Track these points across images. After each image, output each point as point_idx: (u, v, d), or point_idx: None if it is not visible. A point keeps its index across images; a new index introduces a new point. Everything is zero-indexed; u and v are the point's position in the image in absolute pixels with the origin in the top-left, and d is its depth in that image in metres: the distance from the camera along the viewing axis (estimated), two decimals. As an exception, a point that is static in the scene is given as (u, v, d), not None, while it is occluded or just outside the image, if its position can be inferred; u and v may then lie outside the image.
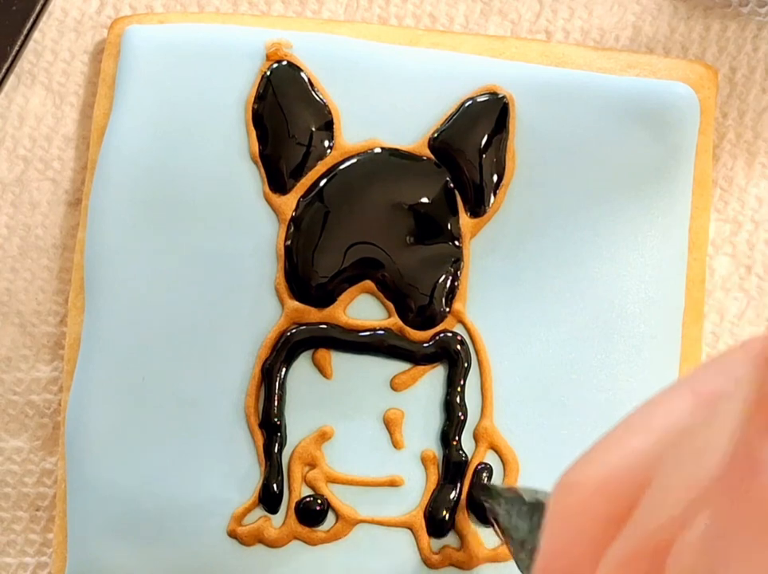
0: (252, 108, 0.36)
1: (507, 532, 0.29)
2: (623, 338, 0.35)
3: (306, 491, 0.35)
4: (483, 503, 0.33)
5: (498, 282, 0.35)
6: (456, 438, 0.35)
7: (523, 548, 0.27)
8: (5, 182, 0.38)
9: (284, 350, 0.35)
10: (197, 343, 0.35)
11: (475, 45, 0.37)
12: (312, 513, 0.35)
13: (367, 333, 0.35)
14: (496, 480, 0.35)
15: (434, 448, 0.35)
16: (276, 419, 0.35)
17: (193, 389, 0.35)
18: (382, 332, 0.35)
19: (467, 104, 0.36)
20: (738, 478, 0.13)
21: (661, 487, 0.14)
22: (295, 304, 0.35)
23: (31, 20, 0.37)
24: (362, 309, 0.35)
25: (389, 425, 0.35)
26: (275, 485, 0.35)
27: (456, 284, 0.35)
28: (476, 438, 0.35)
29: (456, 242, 0.35)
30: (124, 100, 0.36)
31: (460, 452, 0.35)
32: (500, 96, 0.36)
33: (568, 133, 0.35)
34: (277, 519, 0.35)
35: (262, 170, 0.35)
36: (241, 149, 0.36)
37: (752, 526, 0.12)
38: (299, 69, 0.36)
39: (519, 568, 0.28)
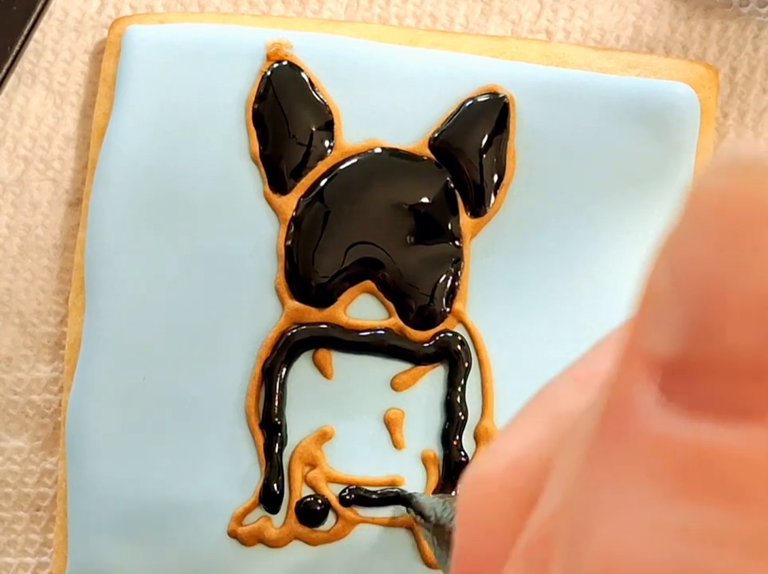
0: (253, 107, 0.36)
1: (434, 539, 0.29)
2: (623, 338, 0.35)
3: (306, 491, 0.35)
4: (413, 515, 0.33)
5: (498, 282, 0.35)
6: (457, 438, 0.35)
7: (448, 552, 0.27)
8: (6, 182, 0.38)
9: (285, 350, 0.35)
10: (198, 343, 0.35)
11: (475, 45, 0.36)
12: (313, 513, 0.35)
13: (368, 333, 0.35)
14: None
15: (435, 448, 0.35)
16: (276, 419, 0.35)
17: (194, 389, 0.35)
18: (382, 332, 0.35)
19: (467, 104, 0.36)
20: (613, 428, 0.12)
21: (558, 472, 0.14)
22: (296, 304, 0.35)
23: (32, 20, 0.37)
24: (363, 309, 0.35)
25: (390, 425, 0.35)
26: (275, 485, 0.35)
27: (456, 284, 0.35)
28: (476, 438, 0.35)
29: (457, 242, 0.35)
30: (125, 99, 0.36)
31: (461, 452, 0.35)
32: (501, 95, 0.36)
33: (568, 133, 0.35)
34: (278, 519, 0.35)
35: (262, 170, 0.35)
36: (242, 149, 0.36)
37: (628, 470, 0.12)
38: (300, 69, 0.36)
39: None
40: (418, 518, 0.32)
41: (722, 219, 0.11)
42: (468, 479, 0.16)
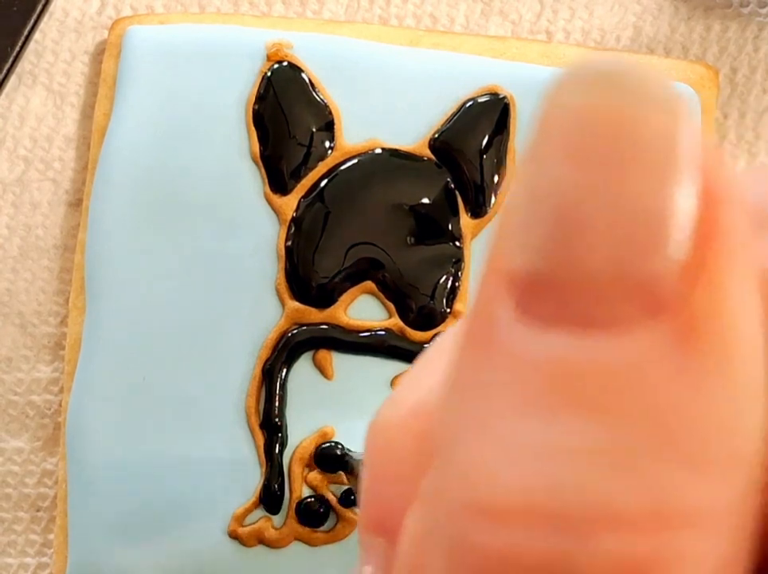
0: (253, 108, 0.36)
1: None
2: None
3: (307, 492, 0.35)
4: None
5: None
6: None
7: None
8: (6, 182, 0.38)
9: (285, 350, 0.35)
10: (198, 343, 0.35)
11: (475, 45, 0.37)
12: (313, 513, 0.35)
13: (368, 334, 0.35)
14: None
15: (435, 449, 0.35)
16: (276, 420, 0.35)
17: (194, 389, 0.35)
18: (382, 332, 0.35)
19: (467, 105, 0.36)
20: (474, 345, 0.12)
21: None
22: (296, 304, 0.35)
23: (32, 20, 0.37)
24: (363, 310, 0.35)
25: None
26: (276, 486, 0.35)
27: (456, 284, 0.35)
28: (476, 438, 0.35)
29: (457, 243, 0.35)
30: (125, 100, 0.36)
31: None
32: (501, 96, 0.36)
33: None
34: (278, 519, 0.35)
35: (263, 170, 0.35)
36: (242, 149, 0.36)
37: (489, 386, 0.12)
38: (300, 70, 0.36)
39: None
40: (350, 477, 0.33)
41: (578, 135, 0.11)
42: (371, 427, 0.16)
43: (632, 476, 0.11)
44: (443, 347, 0.16)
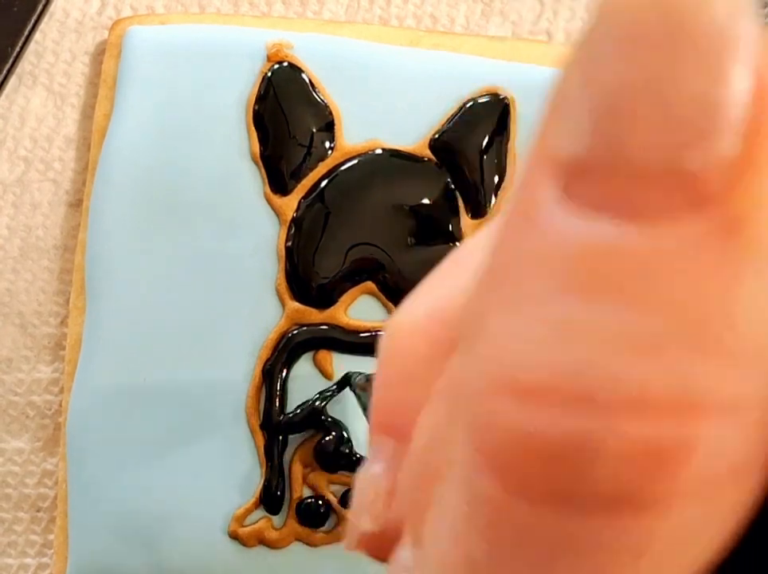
0: (253, 108, 0.36)
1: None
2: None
3: (307, 492, 0.35)
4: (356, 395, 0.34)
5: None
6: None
7: None
8: (7, 182, 0.38)
9: (285, 351, 0.35)
10: (198, 344, 0.35)
11: (476, 45, 0.37)
12: (313, 513, 0.35)
13: (368, 334, 0.35)
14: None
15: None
16: (277, 420, 0.35)
17: (194, 390, 0.35)
18: (382, 332, 0.35)
19: (468, 105, 0.36)
20: (515, 226, 0.12)
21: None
22: (296, 305, 0.35)
23: (32, 21, 0.37)
24: (363, 310, 0.35)
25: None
26: (276, 486, 0.35)
27: (457, 285, 0.35)
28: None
29: (457, 243, 0.35)
30: (125, 100, 0.36)
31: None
32: (501, 97, 0.36)
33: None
34: (278, 520, 0.35)
35: (263, 170, 0.35)
36: (242, 150, 0.36)
37: (525, 267, 0.12)
38: (300, 70, 0.36)
39: None
40: (356, 397, 0.33)
41: (634, 22, 0.11)
42: (387, 331, 0.16)
43: (662, 362, 0.11)
44: (458, 255, 0.16)
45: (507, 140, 0.35)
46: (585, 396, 0.11)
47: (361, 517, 0.16)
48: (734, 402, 0.11)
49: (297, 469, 0.35)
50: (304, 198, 0.35)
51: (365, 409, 0.31)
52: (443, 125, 0.36)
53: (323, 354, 0.35)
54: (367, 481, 0.16)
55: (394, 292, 0.35)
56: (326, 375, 0.35)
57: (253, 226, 0.35)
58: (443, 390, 0.14)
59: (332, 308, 0.35)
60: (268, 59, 0.36)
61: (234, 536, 0.35)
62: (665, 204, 0.11)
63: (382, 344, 0.16)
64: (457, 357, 0.13)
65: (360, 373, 0.33)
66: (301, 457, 0.35)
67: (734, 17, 0.11)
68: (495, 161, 0.35)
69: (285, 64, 0.36)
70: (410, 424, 0.14)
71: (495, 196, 0.35)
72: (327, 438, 0.35)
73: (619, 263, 0.11)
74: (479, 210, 0.35)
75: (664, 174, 0.11)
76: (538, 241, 0.12)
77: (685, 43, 0.11)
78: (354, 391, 0.33)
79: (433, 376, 0.14)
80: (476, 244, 0.16)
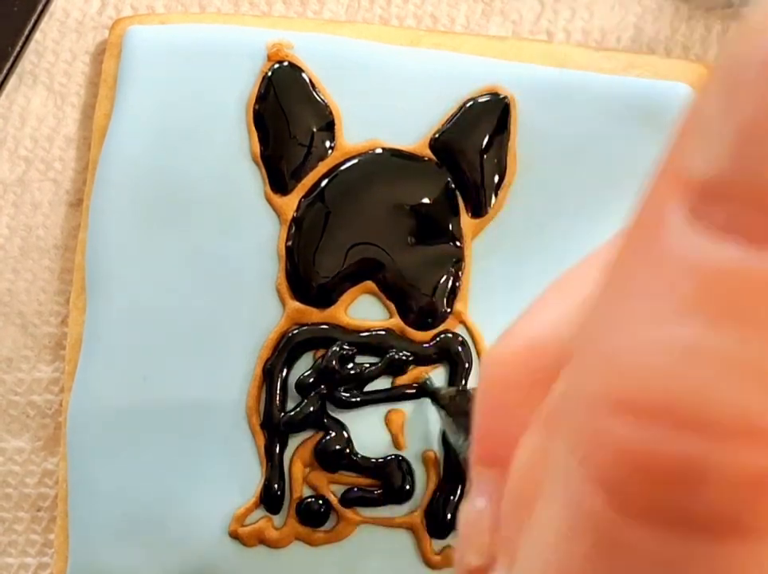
0: (254, 108, 0.36)
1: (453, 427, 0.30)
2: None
3: (307, 492, 0.35)
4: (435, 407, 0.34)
5: (499, 283, 0.35)
6: (458, 438, 0.35)
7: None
8: (7, 182, 0.38)
9: (286, 350, 0.35)
10: (199, 343, 0.35)
11: (476, 45, 0.36)
12: (313, 513, 0.35)
13: (368, 334, 0.35)
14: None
15: (435, 449, 0.35)
16: (277, 420, 0.35)
17: (195, 390, 0.35)
18: (383, 332, 0.35)
19: (468, 105, 0.36)
20: (638, 243, 0.12)
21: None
22: (297, 304, 0.35)
23: (32, 20, 0.37)
24: (364, 310, 0.35)
25: (391, 425, 0.35)
26: (276, 486, 0.35)
27: (457, 284, 0.35)
28: (477, 438, 0.35)
29: (458, 243, 0.35)
30: (125, 100, 0.36)
31: (462, 453, 0.35)
32: (502, 96, 0.36)
33: (569, 133, 0.35)
34: (278, 519, 0.35)
35: (263, 170, 0.35)
36: (242, 149, 0.36)
37: (647, 285, 0.12)
38: (301, 70, 0.36)
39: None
40: (440, 410, 0.33)
41: None
42: (486, 361, 0.16)
43: None
44: (561, 285, 0.16)
45: (508, 140, 0.35)
46: (702, 420, 0.11)
47: (467, 552, 0.16)
48: None
49: (297, 469, 0.35)
50: (305, 197, 0.35)
51: (453, 417, 0.31)
52: (443, 125, 0.36)
53: (323, 353, 0.35)
54: (472, 516, 0.16)
55: (394, 291, 0.35)
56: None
57: (254, 226, 0.35)
58: (542, 416, 0.14)
59: (332, 307, 0.35)
60: (269, 58, 0.36)
61: (234, 536, 0.35)
62: None
63: (481, 374, 0.16)
64: (568, 370, 0.13)
65: (441, 387, 0.34)
66: (301, 456, 0.35)
67: None
68: (496, 160, 0.35)
69: (285, 63, 0.36)
70: (511, 454, 0.14)
71: (496, 195, 0.35)
72: (328, 438, 0.35)
73: (746, 288, 0.11)
74: (479, 210, 0.35)
75: None
76: (664, 261, 0.12)
77: None
78: (439, 404, 0.33)
79: (533, 407, 0.14)
80: (580, 273, 0.16)
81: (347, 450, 0.34)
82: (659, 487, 0.11)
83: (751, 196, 0.11)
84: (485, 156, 0.35)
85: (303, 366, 0.35)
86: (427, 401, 0.35)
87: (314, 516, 0.35)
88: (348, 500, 0.35)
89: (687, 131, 0.12)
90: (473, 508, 0.16)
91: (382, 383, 0.35)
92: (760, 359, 0.11)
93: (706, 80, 0.12)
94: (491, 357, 0.16)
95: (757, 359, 0.11)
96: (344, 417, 0.35)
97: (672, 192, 0.12)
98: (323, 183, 0.35)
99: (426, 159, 0.35)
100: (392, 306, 0.35)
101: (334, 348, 0.34)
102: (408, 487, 0.34)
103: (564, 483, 0.12)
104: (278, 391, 0.35)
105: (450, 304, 0.35)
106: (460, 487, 0.35)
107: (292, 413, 0.35)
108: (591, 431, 0.12)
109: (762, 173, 0.11)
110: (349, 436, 0.35)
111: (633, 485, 0.12)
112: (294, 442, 0.35)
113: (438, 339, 0.35)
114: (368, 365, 0.35)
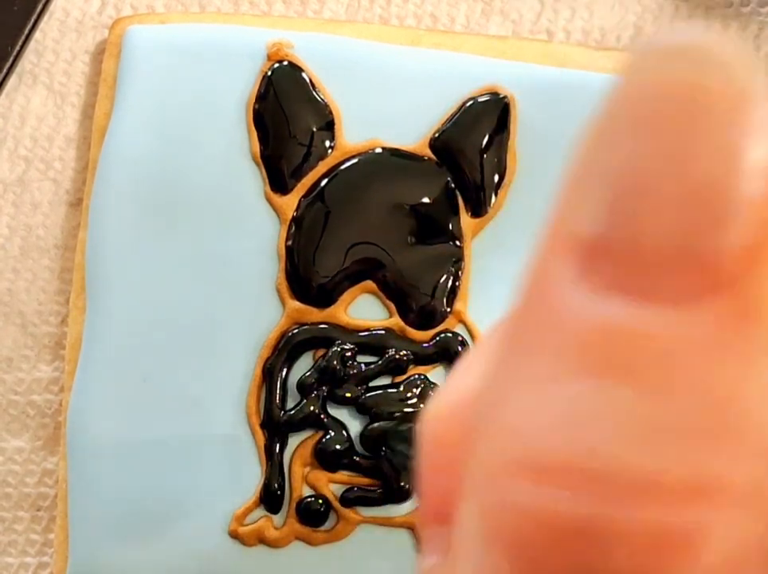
0: (253, 108, 0.36)
1: None
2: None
3: (307, 491, 0.35)
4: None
5: (499, 282, 0.35)
6: (458, 438, 0.35)
7: None
8: (7, 182, 0.38)
9: (286, 350, 0.35)
10: (199, 343, 0.35)
11: (476, 45, 0.36)
12: (313, 513, 0.35)
13: (368, 333, 0.35)
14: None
15: (435, 448, 0.35)
16: (277, 419, 0.35)
17: (195, 389, 0.35)
18: (382, 332, 0.35)
19: (468, 104, 0.36)
20: (528, 306, 0.12)
21: None
22: (297, 304, 0.35)
23: (32, 20, 0.37)
24: (363, 309, 0.35)
25: (391, 425, 0.35)
26: (276, 485, 0.35)
27: (457, 284, 0.35)
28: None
29: (458, 242, 0.35)
30: (125, 100, 0.36)
31: (462, 452, 0.35)
32: (501, 96, 0.36)
33: (569, 133, 0.35)
34: (278, 519, 0.35)
35: (263, 170, 0.35)
36: (242, 149, 0.36)
37: (539, 346, 0.12)
38: (301, 69, 0.36)
39: None
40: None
41: (648, 108, 0.11)
42: (424, 417, 0.16)
43: (676, 448, 0.11)
44: (494, 338, 0.16)
45: (508, 139, 0.35)
46: (597, 479, 0.11)
47: None
48: (750, 490, 0.11)
49: (297, 469, 0.35)
50: (304, 197, 0.35)
51: None
52: (443, 124, 0.36)
53: (323, 353, 0.35)
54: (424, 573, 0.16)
55: (394, 291, 0.35)
56: None
57: (253, 225, 0.35)
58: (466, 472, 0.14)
59: (332, 307, 0.35)
60: (269, 58, 0.36)
61: (234, 536, 0.35)
62: (681, 287, 0.11)
63: (420, 433, 0.16)
64: (472, 437, 0.13)
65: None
66: (301, 456, 0.35)
67: (748, 102, 0.11)
68: (496, 160, 0.35)
69: (285, 63, 0.36)
70: (455, 511, 0.14)
71: (496, 195, 0.35)
72: (328, 438, 0.35)
73: (634, 345, 0.11)
74: (479, 209, 0.35)
75: (680, 257, 0.11)
76: (553, 321, 0.12)
77: (700, 126, 0.11)
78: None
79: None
80: (498, 328, 0.16)
81: (347, 450, 0.34)
82: (559, 548, 0.11)
83: (627, 253, 0.11)
84: (485, 156, 0.35)
85: (303, 366, 0.35)
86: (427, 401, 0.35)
87: (314, 515, 0.35)
88: (348, 499, 0.35)
89: (568, 186, 0.12)
90: (424, 568, 0.16)
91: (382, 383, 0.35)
92: (648, 414, 0.11)
93: (586, 132, 0.12)
94: (428, 412, 0.16)
95: (645, 415, 0.11)
96: (344, 417, 0.35)
97: (559, 250, 0.12)
98: (323, 183, 0.35)
99: (426, 158, 0.35)
100: (392, 306, 0.35)
101: (335, 348, 0.34)
102: (408, 487, 0.34)
103: (473, 543, 0.12)
104: (278, 391, 0.35)
105: (450, 303, 0.35)
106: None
107: (292, 412, 0.35)
108: (493, 493, 0.12)
109: (637, 229, 0.11)
110: (349, 436, 0.35)
111: (533, 546, 0.12)
112: (294, 441, 0.35)
113: (438, 338, 0.35)
114: (368, 364, 0.35)
